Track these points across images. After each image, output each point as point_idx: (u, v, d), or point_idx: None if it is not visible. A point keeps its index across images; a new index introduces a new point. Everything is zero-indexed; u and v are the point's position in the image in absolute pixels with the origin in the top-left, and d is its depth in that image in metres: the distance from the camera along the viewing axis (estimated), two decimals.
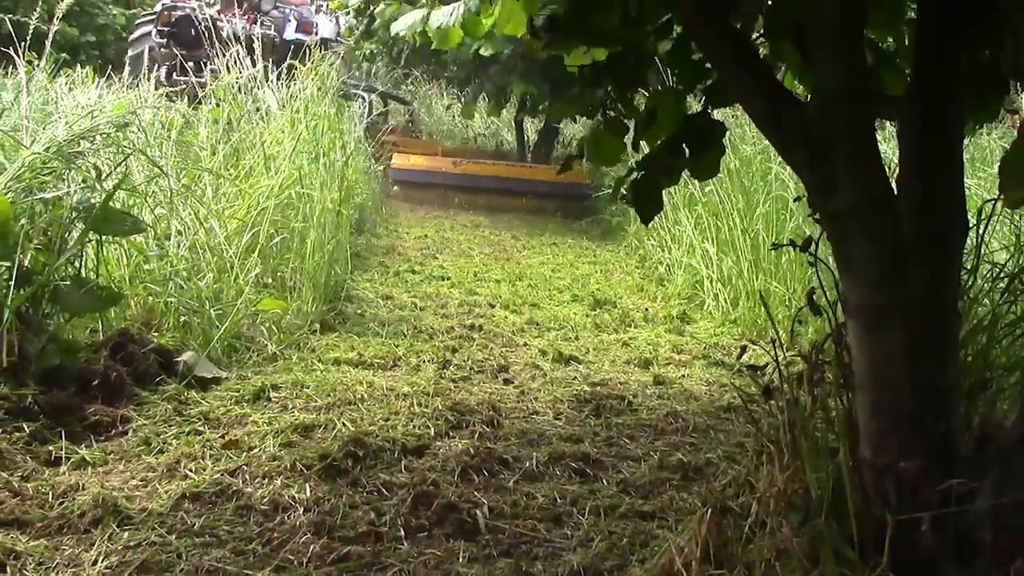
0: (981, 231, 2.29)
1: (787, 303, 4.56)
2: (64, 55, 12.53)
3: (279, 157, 4.99)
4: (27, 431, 2.66)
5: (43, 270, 3.07)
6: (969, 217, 1.82)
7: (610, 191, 8.02)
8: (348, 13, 10.00)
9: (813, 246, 2.18)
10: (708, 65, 2.42)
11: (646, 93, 2.59)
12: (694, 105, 2.56)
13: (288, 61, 6.04)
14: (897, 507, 1.66)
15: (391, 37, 9.23)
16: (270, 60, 6.03)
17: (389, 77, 11.35)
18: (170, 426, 2.91)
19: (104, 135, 3.64)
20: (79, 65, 7.47)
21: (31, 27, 4.37)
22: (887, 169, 1.83)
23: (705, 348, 4.44)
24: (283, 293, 4.38)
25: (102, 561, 2.08)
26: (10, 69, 5.47)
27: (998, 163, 1.63)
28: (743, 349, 2.37)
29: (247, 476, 2.57)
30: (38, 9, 5.15)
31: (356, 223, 6.55)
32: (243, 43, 5.72)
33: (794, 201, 2.60)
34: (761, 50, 2.27)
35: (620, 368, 4.03)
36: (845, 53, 1.75)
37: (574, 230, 8.60)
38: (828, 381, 1.94)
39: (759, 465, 1.97)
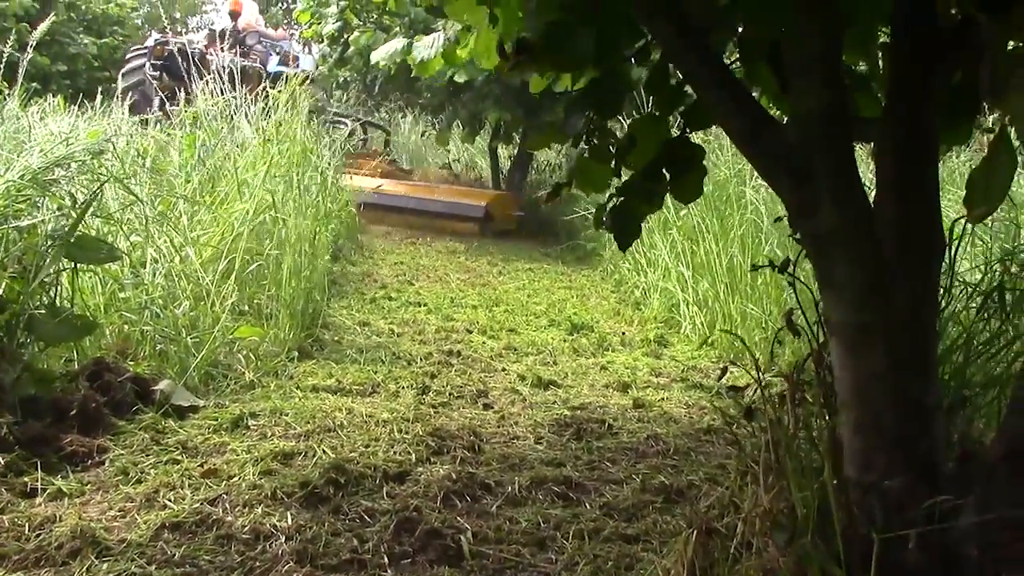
0: (953, 251, 2.33)
1: (764, 325, 4.59)
2: (35, 84, 12.50)
3: (253, 182, 4.97)
4: (2, 462, 2.61)
5: (17, 299, 3.03)
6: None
7: (583, 215, 8.19)
8: (322, 42, 10.04)
9: (791, 266, 2.21)
10: (686, 89, 2.45)
11: (625, 120, 2.62)
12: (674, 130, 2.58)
13: (270, 90, 6.09)
14: (883, 525, 1.66)
15: (364, 64, 9.27)
16: (253, 90, 6.09)
17: (360, 103, 11.40)
18: (148, 456, 2.87)
19: (79, 162, 3.61)
20: (50, 94, 7.44)
21: (3, 56, 4.34)
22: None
23: (683, 371, 4.45)
24: (260, 320, 4.36)
25: None
26: None
27: (965, 183, 1.66)
28: (723, 371, 2.37)
29: (227, 505, 2.53)
30: (11, 39, 5.12)
31: (332, 249, 6.53)
32: (228, 74, 5.75)
33: (774, 221, 2.62)
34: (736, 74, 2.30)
35: (599, 392, 4.03)
36: (825, 76, 1.77)
37: (550, 256, 8.63)
38: (810, 401, 1.95)
39: (743, 486, 1.97)
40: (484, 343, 4.88)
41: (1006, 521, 1.59)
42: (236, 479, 2.71)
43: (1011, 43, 1.72)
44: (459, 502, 2.64)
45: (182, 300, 3.86)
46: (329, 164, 6.82)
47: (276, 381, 3.82)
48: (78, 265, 3.32)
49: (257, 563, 2.23)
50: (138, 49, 12.31)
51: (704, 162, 2.44)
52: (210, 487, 2.64)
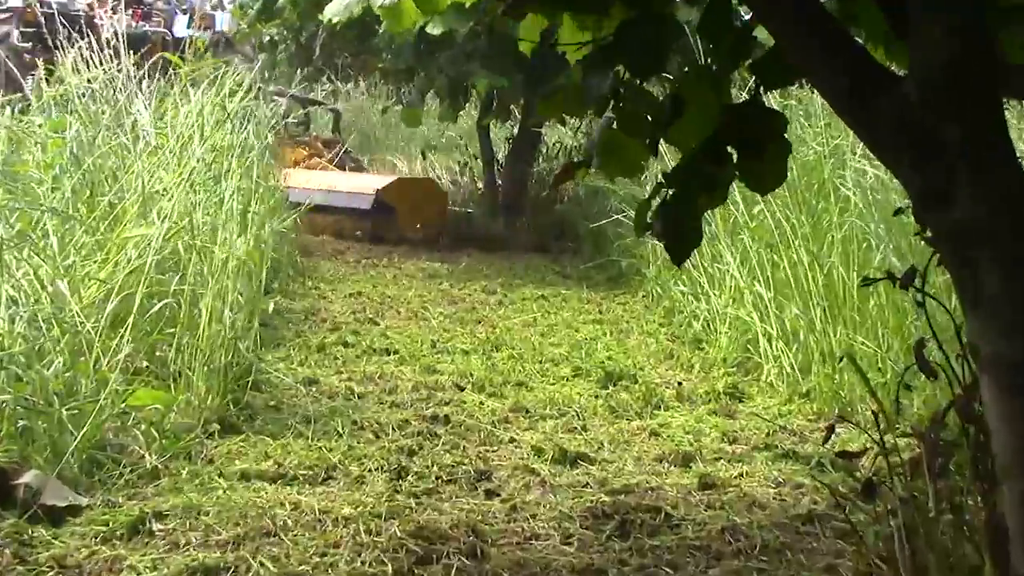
0: None
1: (881, 364, 4.58)
2: None
3: (165, 195, 5.00)
4: None
5: None
6: None
7: (616, 217, 8.19)
8: None
9: (919, 279, 2.21)
10: (756, 34, 2.46)
11: (669, 77, 2.63)
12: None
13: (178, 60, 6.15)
14: None
15: (300, 17, 9.33)
16: (155, 62, 6.14)
17: (297, 73, 11.50)
18: None
19: None
20: None
21: None
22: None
23: (768, 434, 4.44)
24: (166, 382, 4.35)
25: None
26: None
27: None
28: (828, 431, 2.36)
29: None
30: None
31: (266, 279, 6.54)
32: (123, 40, 5.80)
33: (894, 214, 2.63)
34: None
35: (649, 468, 4.02)
36: (960, 13, 1.78)
37: (570, 277, 8.63)
38: (956, 469, 1.95)
39: None
40: (482, 403, 4.87)
41: None
42: None
43: None
44: None
45: (54, 356, 3.85)
46: (260, 160, 6.84)
47: (190, 466, 3.80)
48: None
49: None
50: (1, 12, 12.53)
51: (786, 135, 2.45)
52: None
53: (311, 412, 4.57)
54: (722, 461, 4.10)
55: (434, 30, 7.27)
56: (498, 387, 5.16)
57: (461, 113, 10.27)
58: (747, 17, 2.45)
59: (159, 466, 3.74)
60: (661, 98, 2.55)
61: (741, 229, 6.03)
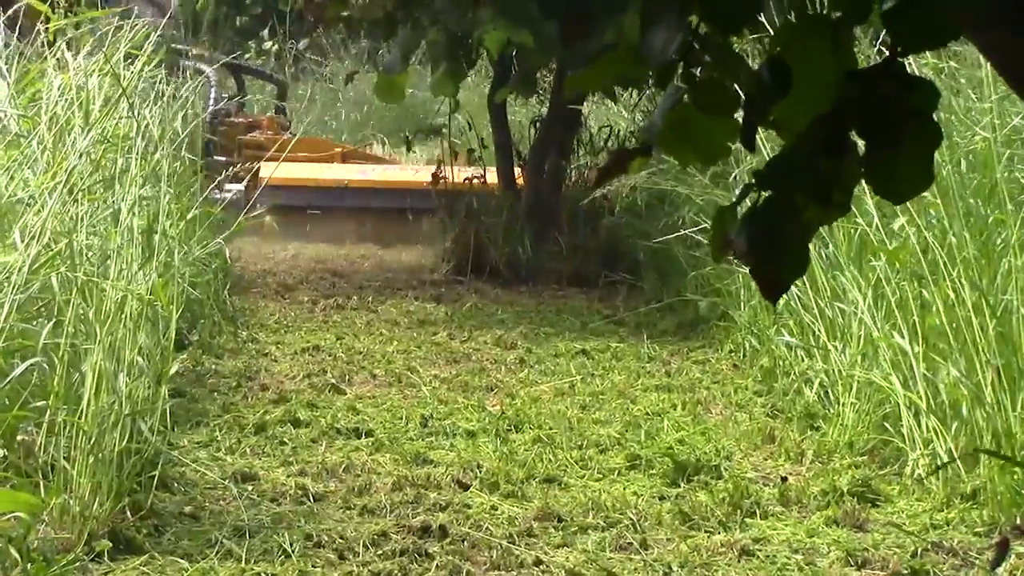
0: None
1: None
2: None
3: (31, 206, 5.00)
4: None
5: None
6: None
7: (687, 232, 8.11)
8: None
9: None
10: None
11: (769, 33, 2.63)
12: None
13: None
14: None
15: None
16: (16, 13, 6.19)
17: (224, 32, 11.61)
18: None
19: None
20: None
21: None
22: None
23: (913, 555, 4.43)
24: (31, 478, 4.35)
25: None
26: None
27: None
28: (1002, 549, 2.32)
29: None
30: None
31: (182, 325, 6.54)
32: None
33: None
34: None
35: None
36: None
37: (624, 324, 8.64)
38: None
39: None
40: (495, 509, 4.88)
41: None
42: None
43: None
44: None
45: None
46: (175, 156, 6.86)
47: None
48: None
49: None
50: None
51: (936, 117, 2.42)
52: None
53: (245, 522, 4.58)
54: None
55: None
56: (518, 484, 5.15)
57: (465, 83, 10.27)
58: None
59: None
60: (755, 63, 2.53)
61: (875, 251, 6.00)
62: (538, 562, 4.33)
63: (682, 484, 5.17)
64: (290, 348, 7.55)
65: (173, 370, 5.50)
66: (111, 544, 4.20)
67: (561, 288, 9.69)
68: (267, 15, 11.15)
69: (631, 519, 4.75)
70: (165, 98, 7.26)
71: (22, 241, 4.87)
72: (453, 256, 10.27)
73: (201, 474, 5.05)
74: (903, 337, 5.54)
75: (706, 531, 4.67)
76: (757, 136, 2.53)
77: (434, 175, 10.71)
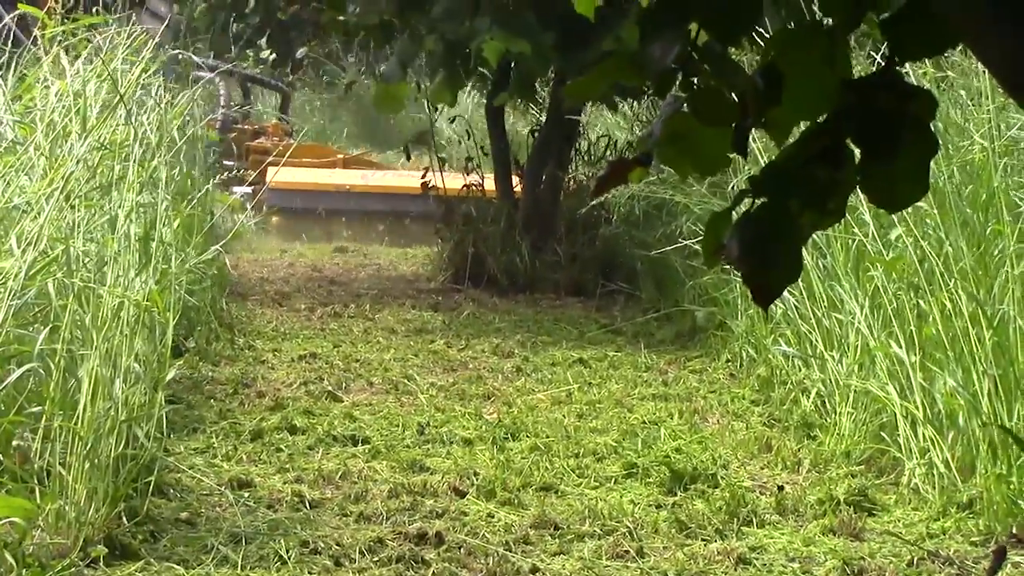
0: None
1: None
2: None
3: (28, 212, 5.01)
4: None
5: None
6: None
7: (683, 241, 8.09)
8: None
9: None
10: None
11: (763, 40, 2.63)
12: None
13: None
14: None
15: None
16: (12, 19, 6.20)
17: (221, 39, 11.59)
18: None
19: None
20: None
21: None
22: None
23: (910, 563, 4.43)
24: (26, 484, 4.34)
25: None
26: None
27: None
28: (998, 558, 2.33)
29: None
30: None
31: (179, 332, 6.53)
32: None
33: None
34: None
35: None
36: None
37: (621, 333, 8.65)
38: None
39: None
40: (491, 516, 4.89)
41: None
42: None
43: None
44: None
45: None
46: (173, 163, 6.86)
47: None
48: None
49: None
50: None
51: (933, 126, 2.42)
52: None
53: (241, 528, 4.59)
54: None
55: None
56: (514, 492, 5.16)
57: (464, 92, 10.27)
58: None
59: None
60: (751, 70, 2.53)
61: (871, 261, 6.00)
62: (534, 570, 4.34)
63: (679, 492, 5.18)
64: (287, 355, 7.55)
65: (169, 376, 5.51)
66: (107, 550, 4.21)
67: (558, 297, 9.70)
68: (265, 24, 11.15)
69: (627, 527, 4.76)
70: (163, 105, 7.26)
71: (19, 247, 4.87)
72: (451, 264, 10.30)
73: (197, 480, 5.05)
74: (900, 347, 5.55)
75: (702, 539, 4.69)
76: (755, 145, 2.54)
77: (423, 184, 10.78)
